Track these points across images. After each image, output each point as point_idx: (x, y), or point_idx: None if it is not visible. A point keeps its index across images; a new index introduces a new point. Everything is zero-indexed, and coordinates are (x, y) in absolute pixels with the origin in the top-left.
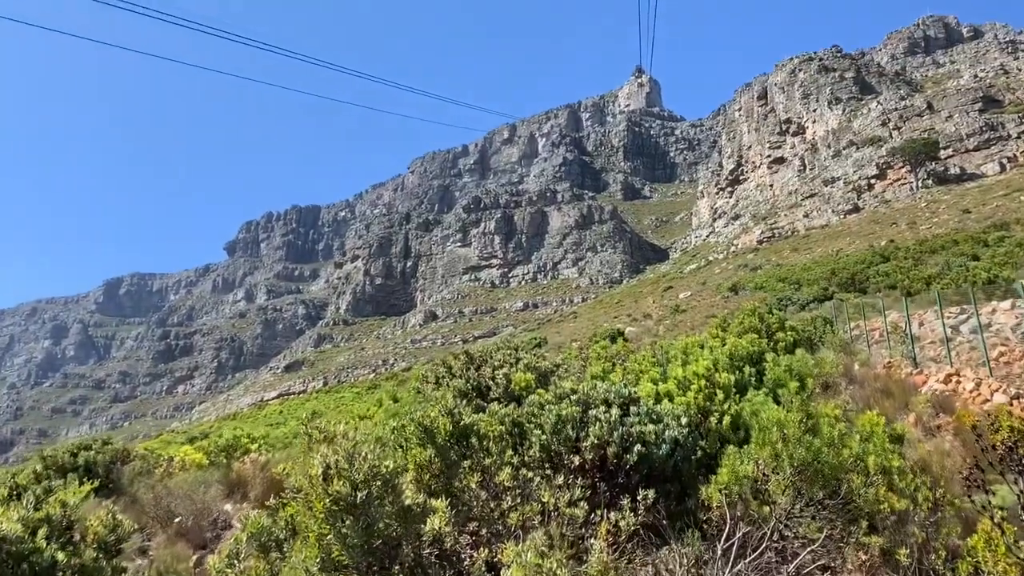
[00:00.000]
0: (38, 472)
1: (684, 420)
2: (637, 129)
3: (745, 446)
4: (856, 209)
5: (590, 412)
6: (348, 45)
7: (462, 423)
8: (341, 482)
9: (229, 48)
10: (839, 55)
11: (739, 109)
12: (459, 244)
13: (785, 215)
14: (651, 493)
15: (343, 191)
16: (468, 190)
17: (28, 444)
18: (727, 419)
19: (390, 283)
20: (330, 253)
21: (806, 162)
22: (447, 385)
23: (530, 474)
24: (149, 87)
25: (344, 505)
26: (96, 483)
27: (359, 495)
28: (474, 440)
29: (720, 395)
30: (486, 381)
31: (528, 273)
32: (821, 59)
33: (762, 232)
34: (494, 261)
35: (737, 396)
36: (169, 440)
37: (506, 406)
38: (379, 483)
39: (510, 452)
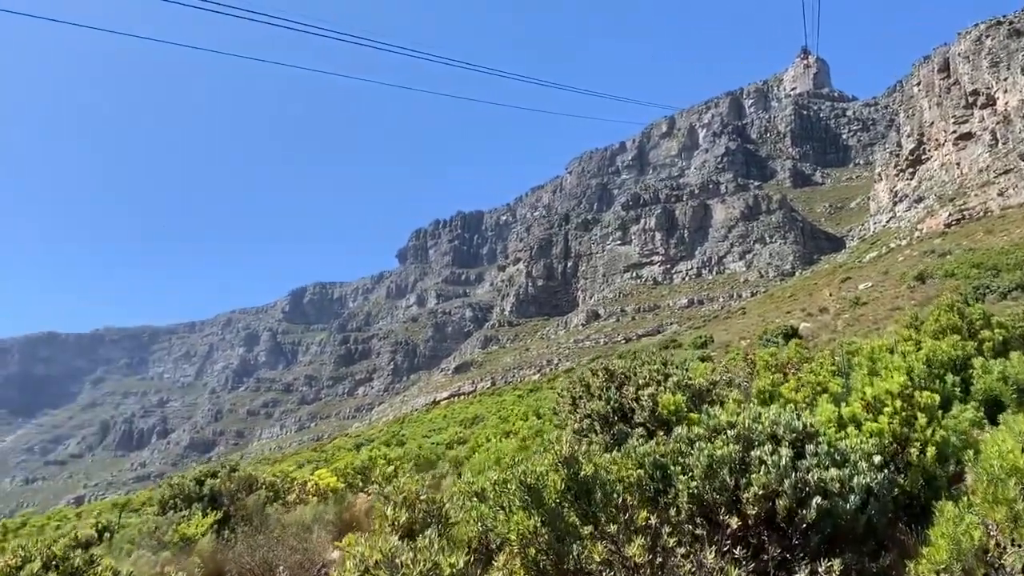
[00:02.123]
0: (164, 500)
1: (878, 459)
2: (805, 112)
3: (957, 488)
4: None
5: (753, 453)
6: (494, 42)
7: (582, 475)
8: None
9: (389, 59)
10: None
11: (918, 84)
12: (619, 242)
13: (976, 195)
14: (836, 564)
15: (504, 195)
16: (627, 187)
17: (227, 444)
18: (931, 450)
19: (552, 284)
20: (494, 257)
21: (998, 136)
22: (584, 407)
23: (672, 541)
24: (320, 100)
25: None
26: (219, 514)
27: None
28: (599, 495)
29: (922, 419)
30: (629, 403)
31: (692, 269)
32: (1012, 22)
33: (950, 214)
34: (655, 258)
35: (940, 412)
36: (340, 445)
37: (651, 435)
38: None
39: (644, 513)
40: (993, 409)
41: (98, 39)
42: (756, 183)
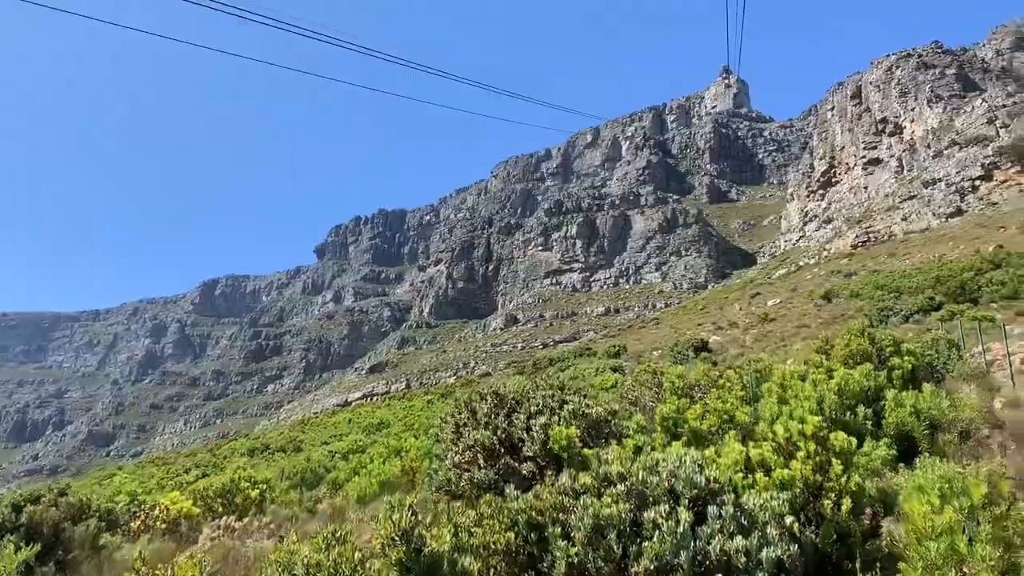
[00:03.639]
0: None
1: (790, 520)
2: (724, 131)
3: (873, 544)
4: (959, 212)
5: (646, 514)
6: (426, 45)
7: (425, 551)
8: None
9: (316, 48)
10: (940, 51)
11: (831, 109)
12: (540, 248)
13: (881, 219)
14: None
15: (428, 195)
16: (550, 194)
17: (128, 439)
18: (847, 503)
19: (472, 286)
20: (415, 257)
21: (903, 163)
22: (468, 437)
23: None
24: (239, 88)
25: None
26: (37, 547)
27: None
28: (446, 570)
29: (837, 466)
30: (518, 433)
31: (610, 278)
32: (920, 55)
33: (856, 236)
34: (575, 265)
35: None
36: (236, 448)
37: (541, 471)
38: None
39: None
40: (905, 444)
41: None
42: (675, 197)
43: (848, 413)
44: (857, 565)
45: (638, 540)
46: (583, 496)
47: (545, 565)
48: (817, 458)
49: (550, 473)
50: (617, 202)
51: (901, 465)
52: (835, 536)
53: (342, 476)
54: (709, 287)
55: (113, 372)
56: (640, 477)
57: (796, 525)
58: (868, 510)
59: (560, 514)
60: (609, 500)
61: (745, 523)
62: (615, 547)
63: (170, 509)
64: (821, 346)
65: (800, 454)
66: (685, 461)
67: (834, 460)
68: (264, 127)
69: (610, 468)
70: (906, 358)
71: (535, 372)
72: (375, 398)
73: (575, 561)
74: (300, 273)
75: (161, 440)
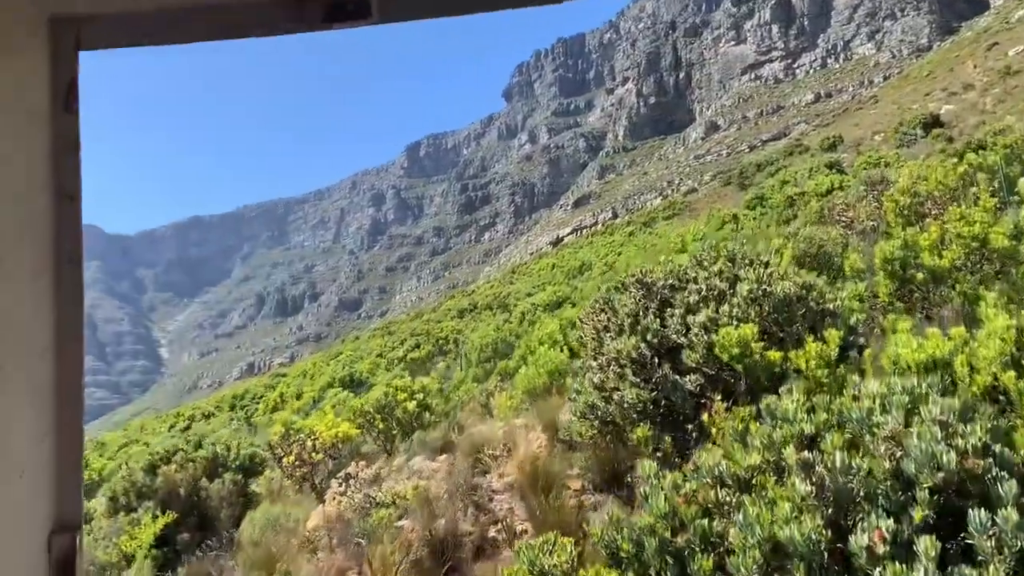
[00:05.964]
0: (115, 496)
1: None
2: None
3: None
4: None
5: (853, 539)
6: None
7: None
8: None
9: None
10: None
11: None
12: (732, 43)
13: None
14: None
15: (605, 11)
16: None
17: (373, 301)
18: None
19: (664, 100)
20: (601, 80)
21: None
22: (610, 345)
23: None
24: None
25: None
26: (173, 515)
27: None
28: None
29: None
30: (674, 336)
31: (815, 60)
32: None
33: None
34: (774, 54)
35: None
36: (450, 308)
37: (705, 386)
38: None
39: None
40: None
41: None
42: None
43: None
44: None
45: None
46: (752, 491)
47: None
48: None
49: (717, 397)
50: None
51: None
52: None
53: (512, 364)
54: (934, 48)
55: (348, 243)
56: (839, 462)
57: None
58: None
59: (712, 523)
60: (788, 509)
61: None
62: None
63: (325, 438)
64: None
65: None
66: (922, 413)
67: None
68: None
69: (787, 429)
70: None
71: (743, 182)
72: (584, 231)
73: None
74: (493, 120)
75: (401, 298)
